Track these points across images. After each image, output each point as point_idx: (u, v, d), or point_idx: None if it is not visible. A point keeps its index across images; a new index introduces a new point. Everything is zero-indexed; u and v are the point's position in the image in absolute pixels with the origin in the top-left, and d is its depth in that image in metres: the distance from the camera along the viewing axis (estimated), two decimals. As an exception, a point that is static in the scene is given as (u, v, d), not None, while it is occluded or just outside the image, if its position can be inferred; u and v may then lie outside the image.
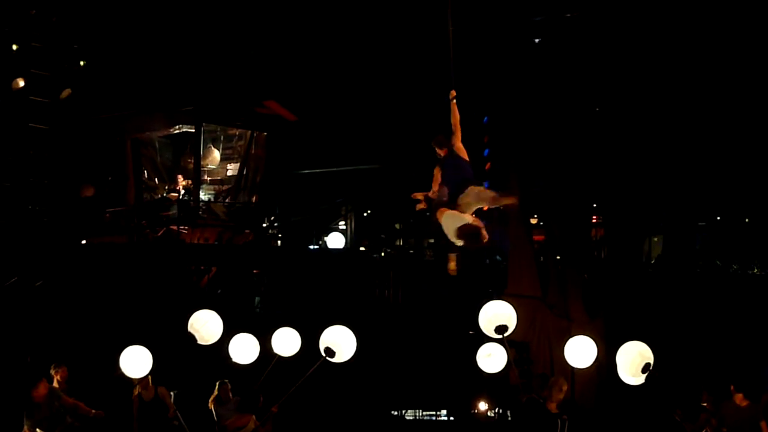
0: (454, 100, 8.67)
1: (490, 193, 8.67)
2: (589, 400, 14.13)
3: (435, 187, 8.68)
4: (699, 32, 15.49)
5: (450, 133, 8.67)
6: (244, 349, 10.97)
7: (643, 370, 9.15)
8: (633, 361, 9.23)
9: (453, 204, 8.29)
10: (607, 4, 15.37)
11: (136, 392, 11.46)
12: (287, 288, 17.94)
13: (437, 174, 8.65)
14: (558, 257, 15.48)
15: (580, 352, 10.24)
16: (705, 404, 11.35)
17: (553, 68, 15.74)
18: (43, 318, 14.79)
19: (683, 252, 20.76)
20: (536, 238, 16.87)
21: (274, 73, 18.94)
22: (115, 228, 18.64)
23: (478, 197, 8.34)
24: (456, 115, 8.65)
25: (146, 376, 10.84)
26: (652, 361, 9.22)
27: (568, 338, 10.76)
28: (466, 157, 8.61)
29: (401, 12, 16.16)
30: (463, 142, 8.58)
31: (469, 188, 8.32)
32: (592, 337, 10.45)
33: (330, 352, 9.87)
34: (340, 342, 9.93)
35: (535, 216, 18.57)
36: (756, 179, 19.46)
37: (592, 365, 10.51)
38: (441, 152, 8.68)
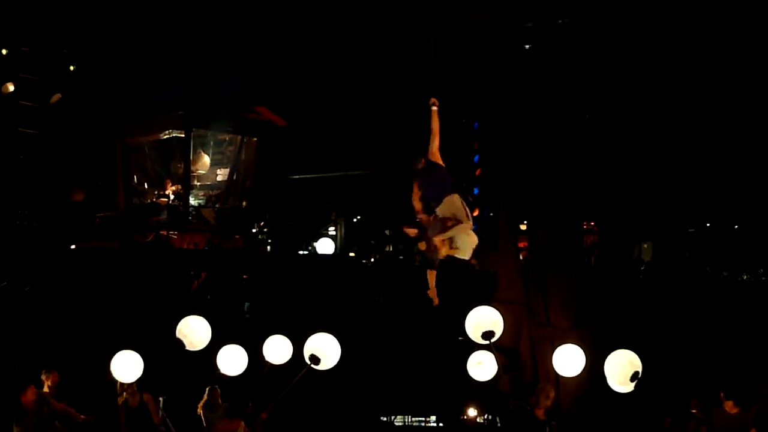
0: (435, 108, 8.64)
1: (460, 210, 8.44)
2: (577, 407, 14.12)
3: (416, 203, 8.67)
4: (687, 42, 15.53)
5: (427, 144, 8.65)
6: (232, 360, 10.95)
7: (632, 379, 9.15)
8: (622, 369, 9.22)
9: (431, 213, 8.32)
10: (598, 11, 15.39)
11: (121, 399, 11.43)
12: (277, 293, 17.92)
13: (416, 187, 8.65)
14: (541, 264, 15.44)
15: (569, 360, 10.23)
16: (694, 411, 11.38)
17: (543, 75, 15.74)
18: (32, 323, 14.77)
19: (673, 258, 20.80)
20: (522, 244, 16.88)
21: (265, 78, 18.90)
22: (104, 233, 18.57)
23: (451, 208, 8.32)
24: (436, 122, 8.60)
25: (132, 383, 10.81)
26: (640, 370, 9.22)
27: (552, 345, 10.76)
28: (441, 163, 8.58)
29: (390, 18, 16.14)
30: (454, 149, 8.58)
31: (446, 198, 8.32)
32: (578, 345, 10.44)
33: (315, 359, 9.89)
34: (324, 349, 9.96)
35: (525, 222, 18.56)
36: (745, 186, 19.51)
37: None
38: (418, 165, 8.67)
